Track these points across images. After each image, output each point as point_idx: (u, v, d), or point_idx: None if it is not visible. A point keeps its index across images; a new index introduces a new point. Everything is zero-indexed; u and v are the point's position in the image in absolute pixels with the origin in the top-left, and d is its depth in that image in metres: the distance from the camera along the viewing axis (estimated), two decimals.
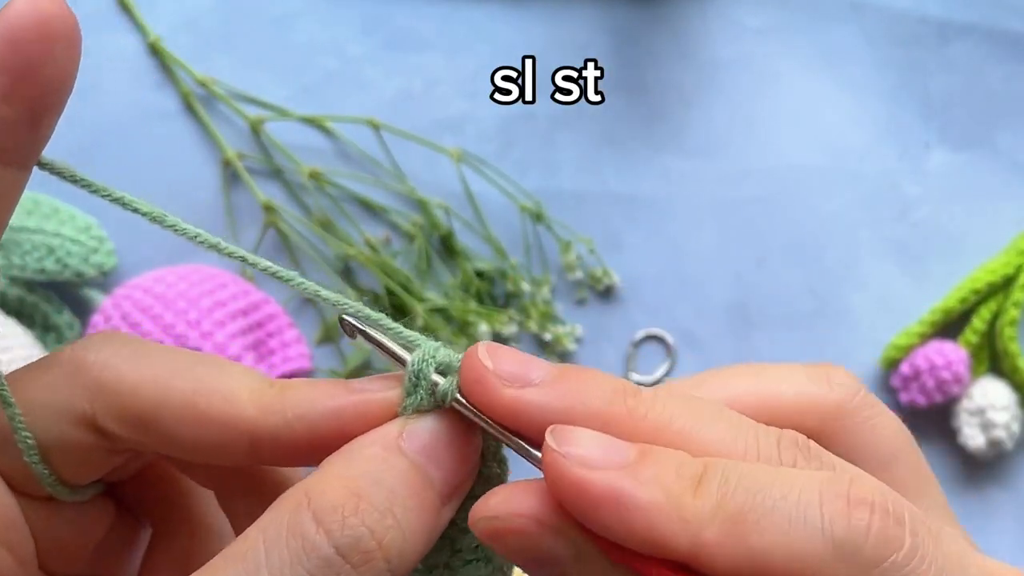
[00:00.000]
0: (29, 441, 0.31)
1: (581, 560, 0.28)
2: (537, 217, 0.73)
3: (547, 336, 0.72)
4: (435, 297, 0.72)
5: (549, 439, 0.27)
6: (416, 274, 0.72)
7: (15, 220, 0.68)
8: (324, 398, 0.30)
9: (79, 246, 0.68)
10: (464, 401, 0.30)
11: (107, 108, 0.74)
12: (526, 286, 0.72)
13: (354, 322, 0.31)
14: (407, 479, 0.28)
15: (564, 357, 0.73)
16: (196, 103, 0.73)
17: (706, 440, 0.28)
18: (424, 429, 0.29)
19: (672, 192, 0.75)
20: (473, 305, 0.71)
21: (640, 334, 0.73)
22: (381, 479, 0.28)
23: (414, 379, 0.30)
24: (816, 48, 0.77)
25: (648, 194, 0.75)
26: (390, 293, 0.71)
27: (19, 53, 0.26)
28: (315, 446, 0.30)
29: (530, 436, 0.29)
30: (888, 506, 0.26)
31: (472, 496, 0.30)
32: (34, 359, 0.68)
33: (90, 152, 0.73)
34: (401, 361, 0.31)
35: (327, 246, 0.72)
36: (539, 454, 0.28)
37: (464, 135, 0.74)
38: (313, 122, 0.73)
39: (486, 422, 0.29)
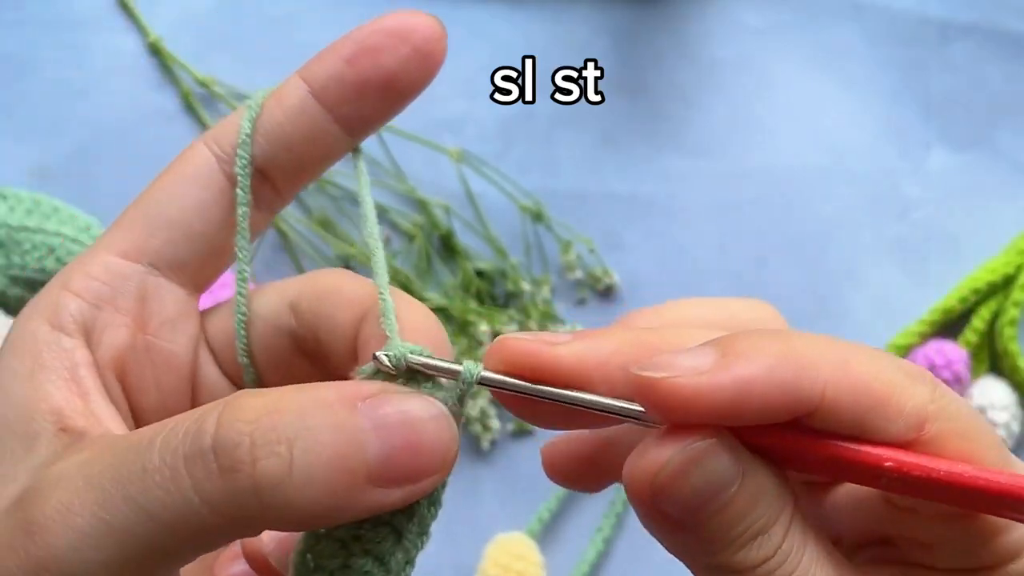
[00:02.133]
0: (243, 316, 0.35)
1: (749, 472, 0.29)
2: (537, 217, 0.73)
3: None
4: (435, 297, 0.72)
5: (646, 372, 0.28)
6: (416, 274, 0.72)
7: (15, 219, 0.68)
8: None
9: (79, 246, 0.68)
10: (498, 377, 0.30)
11: (107, 108, 0.74)
12: (526, 286, 0.72)
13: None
14: (336, 431, 0.27)
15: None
16: (196, 103, 0.73)
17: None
18: (395, 406, 0.28)
19: (672, 192, 0.75)
20: (473, 305, 0.71)
21: None
22: (306, 415, 0.27)
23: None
24: (816, 48, 0.77)
25: (648, 194, 0.75)
26: None
27: (375, 36, 0.34)
28: None
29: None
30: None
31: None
32: None
33: (90, 152, 0.73)
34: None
35: (327, 246, 0.72)
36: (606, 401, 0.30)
37: (464, 135, 0.74)
38: None
39: (528, 391, 0.30)
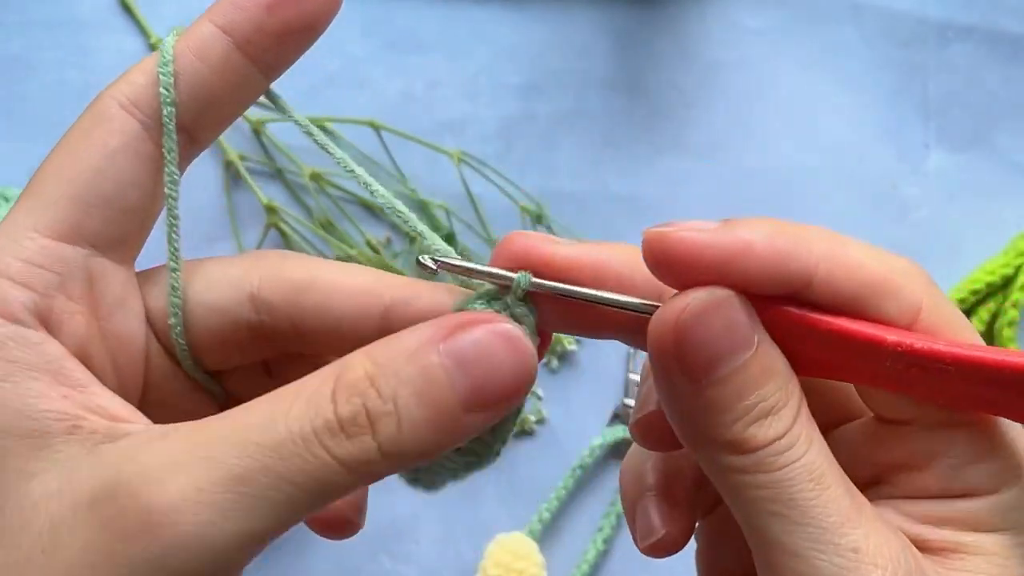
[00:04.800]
0: (177, 310, 0.36)
1: (763, 343, 0.31)
2: (538, 218, 0.73)
3: None
4: None
5: (655, 229, 0.32)
6: (417, 275, 0.72)
7: None
8: (447, 292, 0.35)
9: None
10: (544, 283, 0.33)
11: None
12: None
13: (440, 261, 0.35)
14: (426, 376, 0.30)
15: (564, 357, 0.73)
16: None
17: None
18: (468, 339, 0.31)
19: (673, 193, 0.75)
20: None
21: None
22: (399, 370, 0.30)
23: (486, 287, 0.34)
24: (816, 49, 0.77)
25: (649, 195, 0.75)
26: None
27: None
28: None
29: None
30: None
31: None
32: None
33: None
34: (496, 280, 0.34)
35: (328, 247, 0.72)
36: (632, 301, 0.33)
37: (465, 136, 0.74)
38: (314, 123, 0.74)
39: (565, 293, 0.33)
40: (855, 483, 0.33)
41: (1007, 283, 0.72)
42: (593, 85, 0.76)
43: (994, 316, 0.72)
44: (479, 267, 0.34)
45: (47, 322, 0.32)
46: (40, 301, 0.32)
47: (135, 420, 0.32)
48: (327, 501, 0.31)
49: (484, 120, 0.75)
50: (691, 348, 0.31)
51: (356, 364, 0.31)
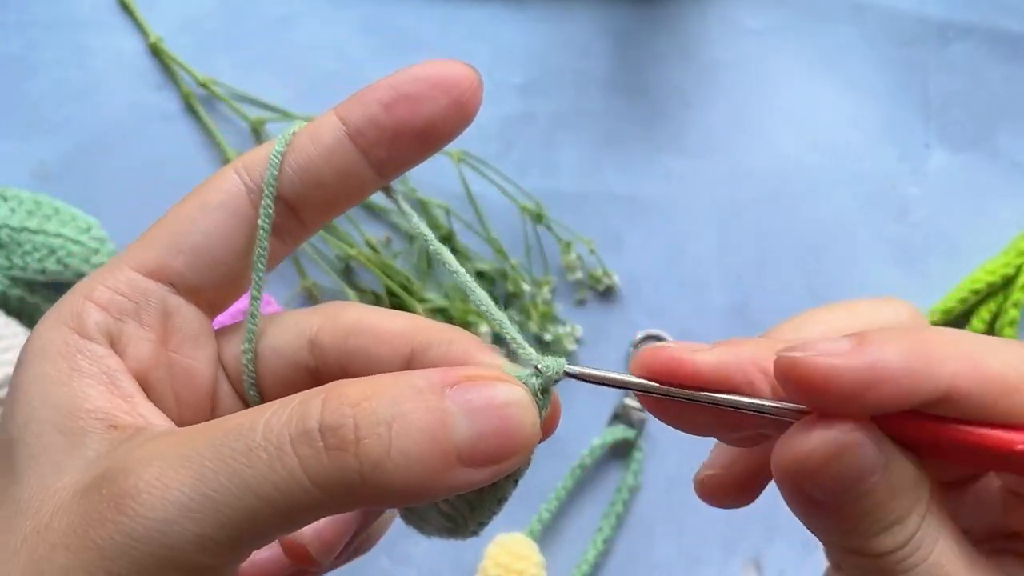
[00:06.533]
0: (250, 355, 0.37)
1: (890, 463, 0.31)
2: (537, 218, 0.73)
3: (547, 336, 0.72)
4: (435, 298, 0.72)
5: (790, 353, 0.30)
6: (416, 274, 0.72)
7: (16, 220, 0.68)
8: (478, 345, 0.35)
9: (80, 247, 0.68)
10: (576, 370, 0.34)
11: (108, 109, 0.74)
12: (527, 286, 0.72)
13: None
14: (429, 414, 0.30)
15: (564, 357, 0.73)
16: (197, 104, 0.74)
17: None
18: (481, 392, 0.31)
19: (672, 192, 0.75)
20: (473, 306, 0.71)
21: (640, 334, 0.73)
22: (400, 400, 0.30)
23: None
24: (816, 49, 0.77)
25: (648, 194, 0.75)
26: (391, 293, 0.71)
27: (415, 85, 0.35)
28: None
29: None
30: None
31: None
32: None
33: (92, 153, 0.73)
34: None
35: (328, 246, 0.72)
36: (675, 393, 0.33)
37: (465, 136, 0.73)
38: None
39: (613, 383, 0.34)
40: (991, 531, 0.34)
41: (1008, 283, 0.72)
42: (593, 85, 0.76)
43: (995, 316, 0.72)
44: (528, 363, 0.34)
45: (116, 343, 0.35)
46: (112, 323, 0.35)
47: (164, 424, 0.33)
48: (295, 522, 0.30)
49: (484, 120, 0.75)
50: (814, 490, 0.31)
51: (354, 382, 0.30)
